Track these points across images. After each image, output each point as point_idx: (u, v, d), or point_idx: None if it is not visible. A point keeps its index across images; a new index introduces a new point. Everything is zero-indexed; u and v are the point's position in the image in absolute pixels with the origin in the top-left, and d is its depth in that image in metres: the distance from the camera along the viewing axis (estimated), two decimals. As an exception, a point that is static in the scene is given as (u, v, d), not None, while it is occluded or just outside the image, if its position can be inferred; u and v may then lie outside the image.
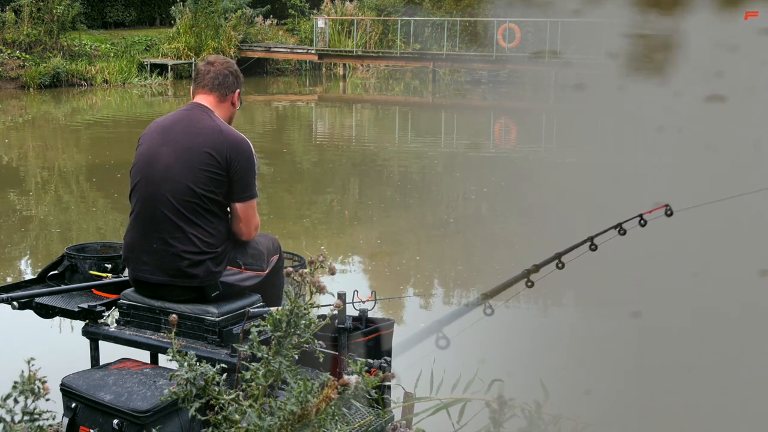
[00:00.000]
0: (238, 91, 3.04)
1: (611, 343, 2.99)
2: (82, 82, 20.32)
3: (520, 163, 11.96)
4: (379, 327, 3.09)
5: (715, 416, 2.31)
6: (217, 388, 1.66)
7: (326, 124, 17.76)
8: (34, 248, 7.28)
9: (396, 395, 2.72)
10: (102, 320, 2.96)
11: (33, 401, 1.61)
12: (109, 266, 3.46)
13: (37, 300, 3.19)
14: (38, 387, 1.61)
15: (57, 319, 3.71)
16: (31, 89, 19.36)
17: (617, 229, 3.22)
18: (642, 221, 3.26)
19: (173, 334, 1.85)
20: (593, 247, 3.14)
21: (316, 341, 1.73)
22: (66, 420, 2.47)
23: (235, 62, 3.16)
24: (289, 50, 25.05)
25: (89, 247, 3.64)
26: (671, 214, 3.24)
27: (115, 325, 2.95)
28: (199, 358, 1.74)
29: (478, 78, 23.80)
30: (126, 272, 3.08)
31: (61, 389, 2.49)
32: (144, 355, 2.95)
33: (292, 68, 26.85)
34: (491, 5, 23.65)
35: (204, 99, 2.98)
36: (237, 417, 1.64)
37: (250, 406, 1.65)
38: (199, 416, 1.66)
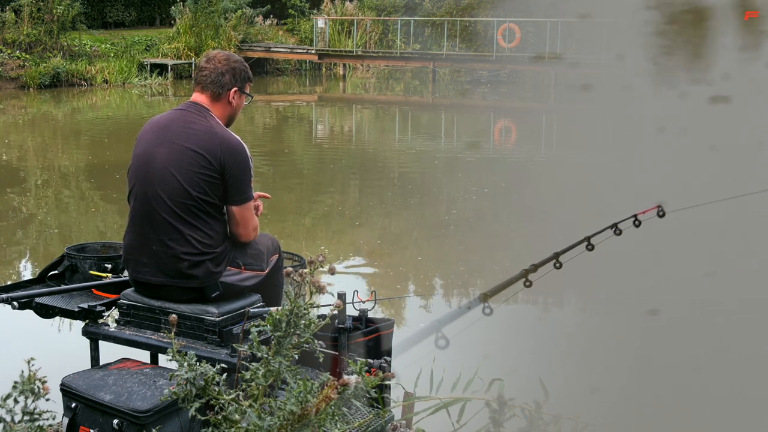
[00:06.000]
0: (234, 89, 2.94)
1: (610, 342, 2.99)
2: (82, 82, 20.32)
3: (520, 163, 11.96)
4: (379, 327, 3.09)
5: (722, 417, 2.31)
6: (217, 388, 1.66)
7: (326, 124, 17.77)
8: (34, 248, 7.28)
9: (396, 395, 2.72)
10: (102, 320, 2.96)
11: (33, 401, 1.61)
12: (109, 266, 3.46)
13: (37, 300, 3.19)
14: (38, 387, 1.61)
15: (57, 319, 3.72)
16: (31, 89, 19.36)
17: (613, 229, 3.22)
18: (636, 221, 3.26)
19: (173, 334, 1.85)
20: (590, 247, 3.14)
21: (316, 341, 1.73)
22: (66, 420, 2.48)
23: (239, 58, 3.06)
24: (289, 50, 25.05)
25: (89, 247, 3.64)
26: (663, 215, 3.24)
27: (115, 325, 2.96)
28: (199, 358, 1.74)
29: (478, 78, 23.80)
30: (126, 272, 3.08)
31: (61, 389, 2.49)
32: (144, 355, 2.96)
33: (292, 68, 26.85)
34: (491, 5, 23.67)
35: (199, 97, 2.96)
36: (237, 417, 1.64)
37: (250, 406, 1.65)
38: (199, 416, 1.66)
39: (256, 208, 3.14)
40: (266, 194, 3.25)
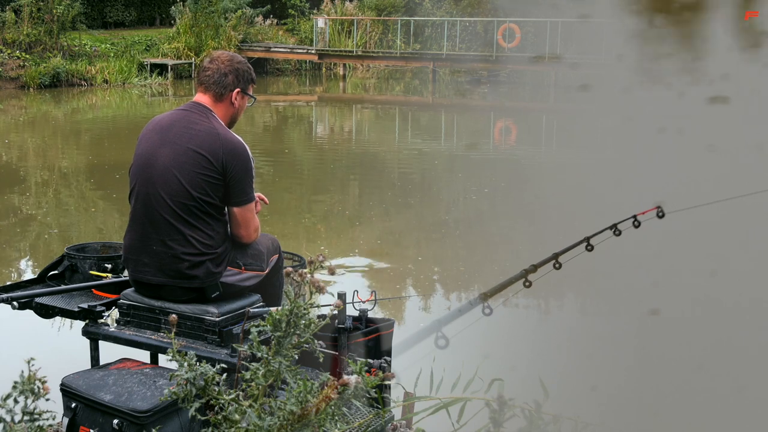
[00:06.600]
0: (237, 90, 2.95)
1: (610, 342, 2.99)
2: (82, 82, 20.32)
3: (520, 163, 11.96)
4: (379, 327, 3.09)
5: (724, 416, 2.32)
6: (217, 388, 1.66)
7: (326, 124, 17.77)
8: (34, 248, 7.28)
9: (396, 395, 2.72)
10: (102, 320, 2.96)
11: (33, 401, 1.61)
12: (109, 266, 3.47)
13: (37, 300, 3.19)
14: (38, 387, 1.61)
15: (57, 319, 3.72)
16: (31, 89, 19.36)
17: (612, 230, 3.22)
18: (636, 222, 3.26)
19: (173, 334, 1.85)
20: (589, 248, 3.14)
21: (315, 341, 1.73)
22: (66, 420, 2.48)
23: (243, 59, 3.07)
24: (289, 50, 25.06)
25: (89, 247, 3.64)
26: (663, 215, 3.24)
27: (115, 325, 2.96)
28: (199, 358, 1.74)
29: (478, 78, 23.81)
30: (126, 272, 3.08)
31: (61, 389, 2.50)
32: (144, 355, 2.96)
33: (292, 68, 26.85)
34: (491, 5, 23.68)
35: (202, 98, 2.96)
36: (237, 417, 1.64)
37: (250, 406, 1.65)
38: (199, 416, 1.66)
39: (261, 200, 3.16)
40: (265, 198, 3.24)
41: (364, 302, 3.17)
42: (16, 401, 1.60)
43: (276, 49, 24.83)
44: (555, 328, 5.13)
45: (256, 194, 3.06)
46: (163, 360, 3.01)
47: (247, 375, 1.66)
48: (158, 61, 22.49)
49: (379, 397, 2.52)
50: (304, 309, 1.70)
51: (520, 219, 8.06)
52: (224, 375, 1.70)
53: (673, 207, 3.19)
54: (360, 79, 25.90)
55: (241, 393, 1.69)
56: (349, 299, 3.03)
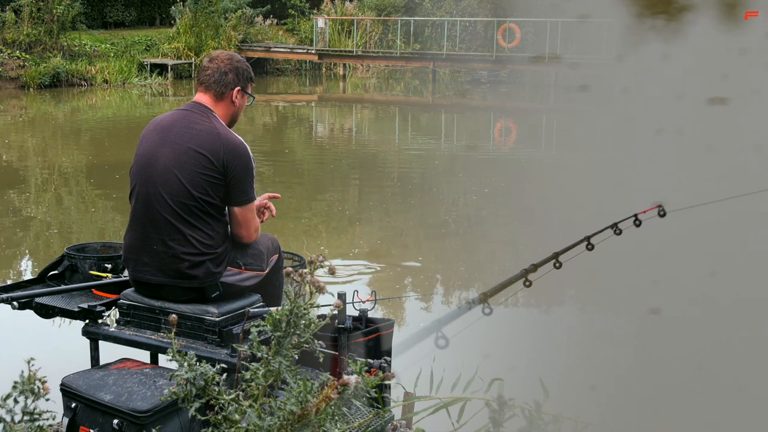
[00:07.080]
0: (237, 88, 2.96)
1: (611, 342, 2.99)
2: (82, 82, 20.32)
3: (521, 163, 11.96)
4: (379, 327, 3.09)
5: (724, 415, 2.32)
6: (217, 388, 1.66)
7: (326, 124, 17.76)
8: (34, 248, 7.28)
9: (396, 395, 2.72)
10: (102, 320, 2.96)
11: (33, 401, 1.61)
12: (109, 266, 3.47)
13: (37, 300, 3.19)
14: (38, 387, 1.61)
15: (57, 319, 3.72)
16: (31, 89, 19.36)
17: (613, 229, 3.21)
18: (637, 221, 3.25)
19: (173, 334, 1.85)
20: (590, 247, 3.13)
21: (315, 341, 1.73)
22: (66, 420, 2.48)
23: (242, 58, 3.07)
24: (289, 50, 25.06)
25: (89, 247, 3.64)
26: (664, 214, 3.23)
27: (115, 325, 2.96)
28: (199, 358, 1.74)
29: (478, 78, 23.81)
30: (126, 272, 3.08)
31: (61, 389, 2.50)
32: (144, 355, 2.96)
33: (292, 68, 26.85)
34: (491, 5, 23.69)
35: (202, 97, 2.96)
36: (237, 417, 1.64)
37: (250, 406, 1.65)
38: (199, 416, 1.66)
39: (269, 209, 3.17)
40: (276, 194, 3.25)
41: (364, 302, 3.17)
42: (16, 401, 1.60)
43: (276, 49, 24.83)
44: (555, 328, 5.13)
45: (267, 194, 3.07)
46: (163, 360, 3.01)
47: (247, 375, 1.66)
48: (158, 61, 22.49)
49: (379, 397, 2.52)
50: (304, 309, 1.70)
51: (520, 218, 8.06)
52: (224, 375, 1.70)
53: (672, 207, 3.19)
54: (360, 79, 25.90)
55: (241, 393, 1.69)
56: (349, 299, 3.03)
